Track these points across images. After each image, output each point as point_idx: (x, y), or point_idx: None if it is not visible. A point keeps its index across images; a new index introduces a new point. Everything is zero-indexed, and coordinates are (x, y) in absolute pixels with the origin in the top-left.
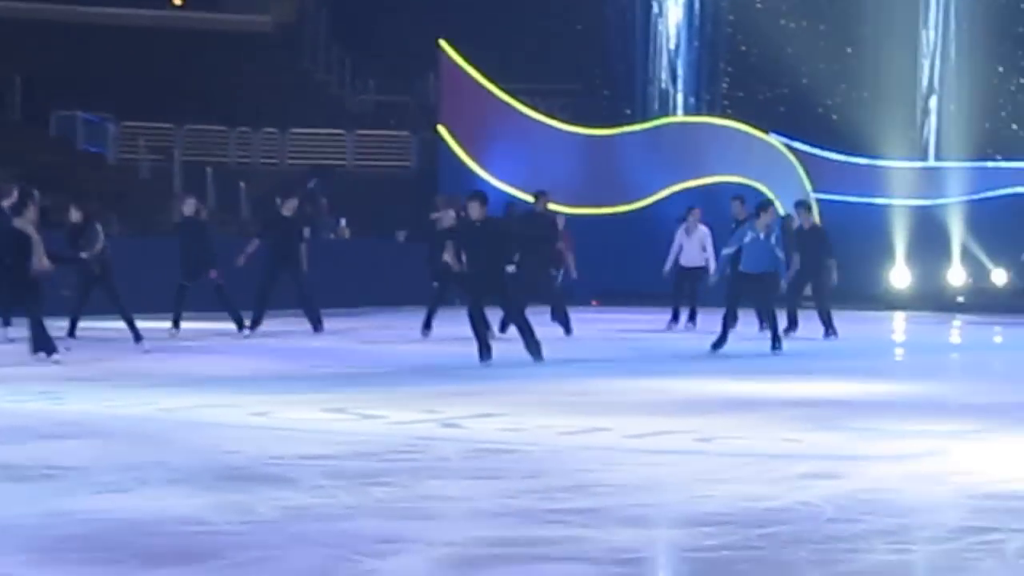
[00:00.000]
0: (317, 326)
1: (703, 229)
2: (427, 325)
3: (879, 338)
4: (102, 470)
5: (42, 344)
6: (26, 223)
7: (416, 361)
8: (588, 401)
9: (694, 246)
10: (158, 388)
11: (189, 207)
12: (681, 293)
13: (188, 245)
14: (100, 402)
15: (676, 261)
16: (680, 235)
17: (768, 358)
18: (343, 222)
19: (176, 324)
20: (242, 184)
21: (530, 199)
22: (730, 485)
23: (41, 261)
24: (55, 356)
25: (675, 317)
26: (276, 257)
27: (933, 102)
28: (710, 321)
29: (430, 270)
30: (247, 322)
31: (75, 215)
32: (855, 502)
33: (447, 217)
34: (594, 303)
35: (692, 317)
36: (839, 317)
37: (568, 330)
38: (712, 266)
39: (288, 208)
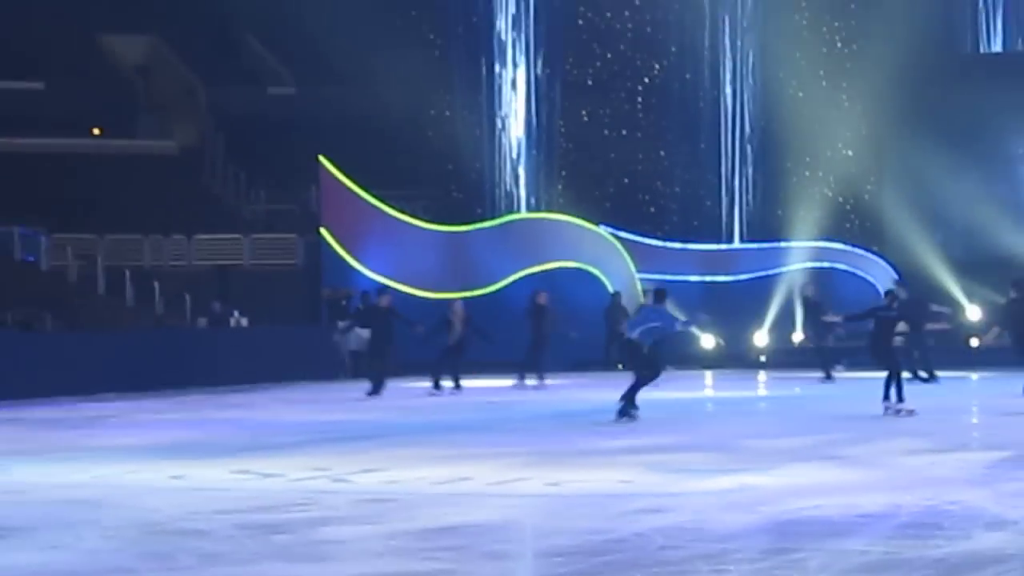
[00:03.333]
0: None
1: None
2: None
3: (693, 394)
4: (45, 530)
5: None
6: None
7: (309, 428)
8: (456, 455)
9: None
10: (90, 459)
11: (385, 300)
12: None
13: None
14: (42, 473)
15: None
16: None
17: (603, 414)
18: (236, 313)
19: (438, 384)
20: (156, 283)
21: (404, 288)
22: (575, 521)
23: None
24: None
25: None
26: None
27: (735, 195)
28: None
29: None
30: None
31: (385, 300)
32: (681, 531)
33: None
34: None
35: None
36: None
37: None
38: None
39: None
